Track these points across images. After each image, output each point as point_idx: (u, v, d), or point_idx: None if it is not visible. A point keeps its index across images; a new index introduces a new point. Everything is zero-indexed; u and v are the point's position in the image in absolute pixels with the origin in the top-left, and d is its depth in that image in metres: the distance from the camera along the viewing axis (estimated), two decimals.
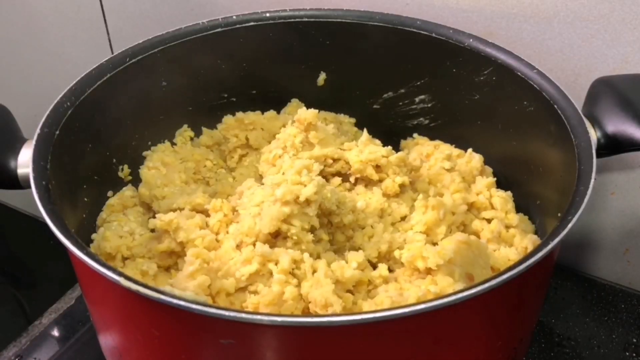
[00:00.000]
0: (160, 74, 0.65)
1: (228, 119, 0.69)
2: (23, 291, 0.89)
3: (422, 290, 0.50)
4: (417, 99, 0.69)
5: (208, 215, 0.58)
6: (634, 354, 0.66)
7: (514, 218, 0.60)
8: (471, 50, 0.62)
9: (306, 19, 0.67)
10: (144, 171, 0.64)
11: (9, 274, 0.93)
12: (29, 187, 0.48)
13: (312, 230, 0.54)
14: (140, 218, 0.61)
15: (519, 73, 0.58)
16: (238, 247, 0.54)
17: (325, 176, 0.62)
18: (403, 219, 0.60)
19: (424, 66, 0.66)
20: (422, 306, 0.39)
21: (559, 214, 0.47)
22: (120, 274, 0.40)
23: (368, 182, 0.62)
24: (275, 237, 0.54)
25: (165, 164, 0.65)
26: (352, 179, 0.62)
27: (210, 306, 0.39)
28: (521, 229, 0.60)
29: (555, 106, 0.55)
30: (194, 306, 0.38)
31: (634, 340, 0.68)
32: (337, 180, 0.62)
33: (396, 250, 0.55)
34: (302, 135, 0.62)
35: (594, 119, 0.53)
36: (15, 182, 0.51)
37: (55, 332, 0.72)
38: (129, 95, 0.62)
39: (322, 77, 0.70)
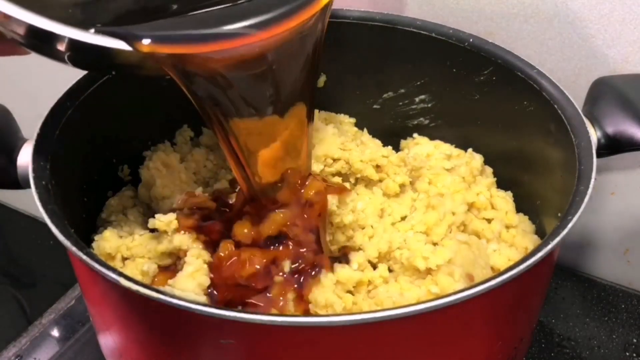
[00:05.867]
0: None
1: None
2: (23, 291, 0.89)
3: (422, 290, 0.50)
4: (417, 99, 0.69)
5: None
6: (634, 354, 0.66)
7: (514, 218, 0.60)
8: (471, 50, 0.62)
9: None
10: (144, 171, 0.63)
11: (9, 274, 0.93)
12: (29, 187, 0.48)
13: None
14: (140, 218, 0.61)
15: (519, 73, 0.58)
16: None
17: (325, 176, 0.62)
18: (403, 219, 0.60)
19: (424, 66, 0.66)
20: (422, 306, 0.38)
21: (559, 214, 0.47)
22: (120, 274, 0.40)
23: (368, 182, 0.62)
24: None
25: (165, 164, 0.65)
26: (352, 179, 0.62)
27: (210, 306, 0.39)
28: (521, 229, 0.60)
29: (555, 106, 0.54)
30: (194, 306, 0.38)
31: (634, 341, 0.68)
32: (337, 180, 0.62)
33: (396, 250, 0.55)
34: None
35: (594, 119, 0.53)
36: (15, 182, 0.51)
37: (55, 332, 0.72)
38: (129, 95, 0.62)
39: (322, 79, 0.70)
